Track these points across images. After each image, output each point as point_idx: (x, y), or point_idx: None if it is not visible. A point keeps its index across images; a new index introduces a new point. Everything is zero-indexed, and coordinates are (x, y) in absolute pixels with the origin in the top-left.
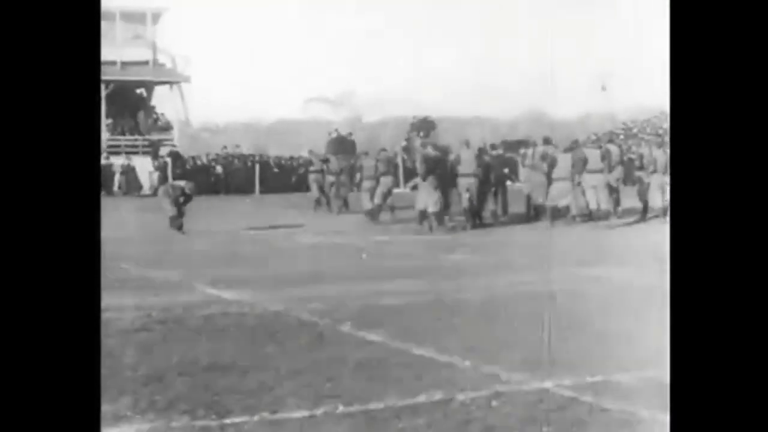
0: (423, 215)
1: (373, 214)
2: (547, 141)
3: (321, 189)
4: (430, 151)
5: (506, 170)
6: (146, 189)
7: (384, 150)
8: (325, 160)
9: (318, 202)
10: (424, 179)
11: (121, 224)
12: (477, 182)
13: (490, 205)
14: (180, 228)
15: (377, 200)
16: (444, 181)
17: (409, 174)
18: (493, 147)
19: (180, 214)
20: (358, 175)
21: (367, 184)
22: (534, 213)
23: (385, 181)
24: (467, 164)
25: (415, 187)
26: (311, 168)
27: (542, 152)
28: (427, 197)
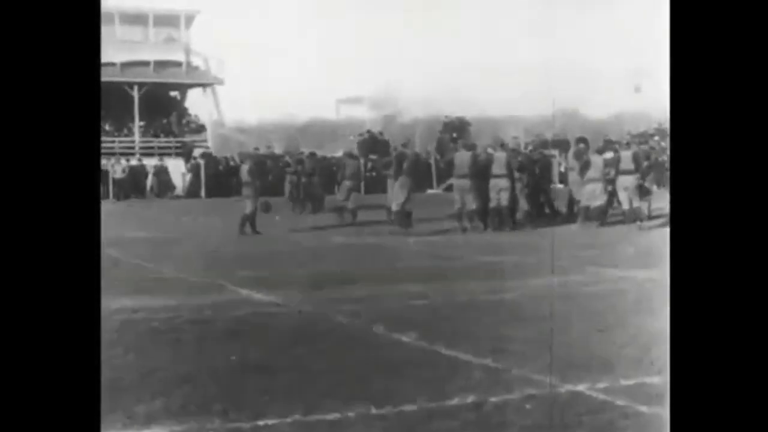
0: (459, 215)
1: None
2: (581, 141)
3: (296, 189)
4: (464, 151)
5: (537, 170)
6: (179, 190)
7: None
8: (300, 162)
9: (293, 202)
10: (458, 179)
11: (153, 225)
12: (509, 182)
13: (524, 206)
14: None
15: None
16: (479, 181)
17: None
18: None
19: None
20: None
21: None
22: (571, 214)
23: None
24: (499, 165)
25: (449, 188)
26: (288, 169)
27: (575, 152)
28: (462, 197)
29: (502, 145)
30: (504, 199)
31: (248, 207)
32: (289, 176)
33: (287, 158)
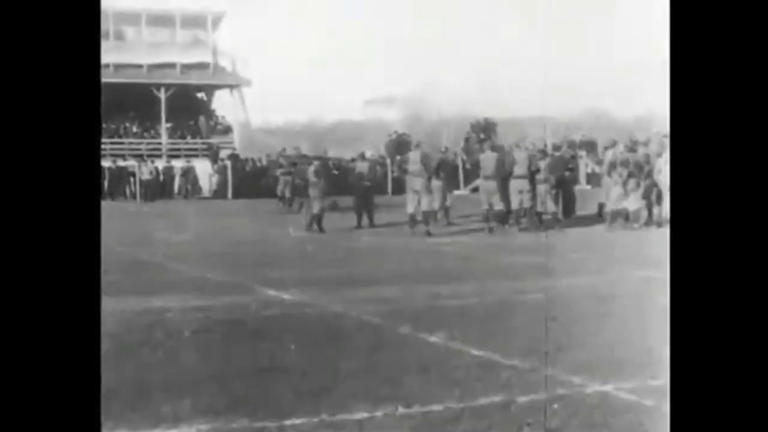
0: (486, 216)
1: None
2: (613, 144)
3: (286, 190)
4: (490, 152)
5: (567, 172)
6: (205, 192)
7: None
8: (293, 164)
9: (282, 201)
10: (484, 180)
11: (181, 226)
12: (530, 183)
13: (551, 207)
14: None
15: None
16: (505, 182)
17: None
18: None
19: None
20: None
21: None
22: (600, 215)
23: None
24: (521, 165)
25: (476, 189)
26: (280, 171)
27: (608, 154)
28: (488, 198)
29: (519, 145)
30: (526, 200)
31: (315, 207)
32: (282, 177)
33: (280, 159)
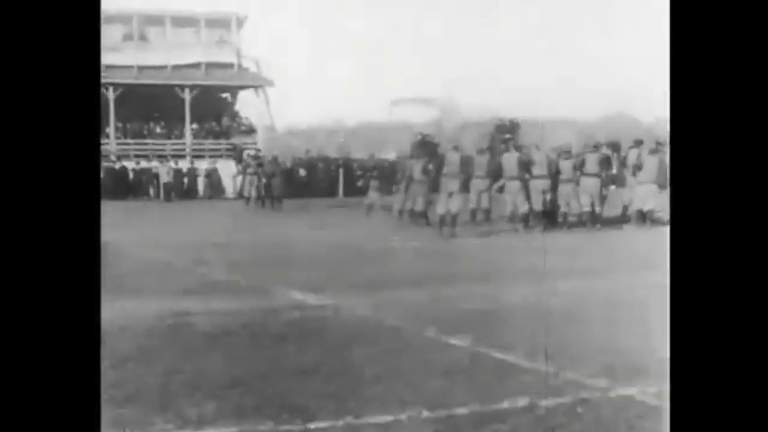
0: (510, 217)
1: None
2: (638, 143)
3: (252, 189)
4: (513, 152)
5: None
6: (229, 193)
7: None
8: (260, 164)
9: (247, 200)
10: (508, 181)
11: (207, 228)
12: (550, 184)
13: (576, 207)
14: None
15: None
16: (528, 182)
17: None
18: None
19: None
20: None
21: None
22: (624, 215)
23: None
24: (540, 166)
25: (501, 189)
26: (248, 170)
27: (633, 155)
28: (513, 199)
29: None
30: (547, 200)
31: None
32: (249, 177)
33: (247, 160)
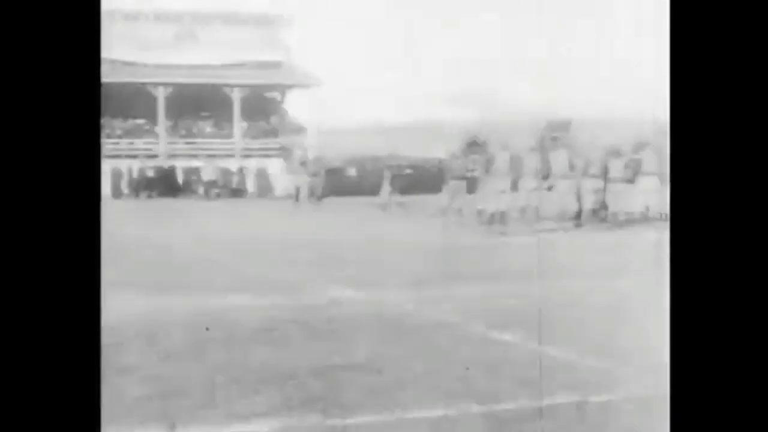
0: (561, 215)
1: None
2: None
3: (297, 188)
4: (562, 151)
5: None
6: (278, 191)
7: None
8: (303, 163)
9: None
10: (558, 179)
11: (255, 226)
12: (603, 183)
13: (626, 207)
14: None
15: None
16: (578, 181)
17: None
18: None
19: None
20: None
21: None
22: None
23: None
24: (590, 165)
25: (551, 188)
26: (291, 169)
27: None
28: (564, 197)
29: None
30: (598, 199)
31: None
32: (292, 176)
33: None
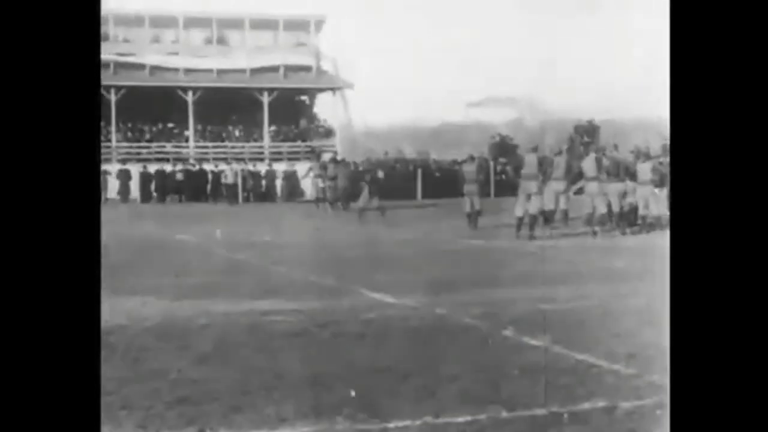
0: (588, 219)
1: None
2: None
3: (322, 191)
4: (592, 154)
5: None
6: (307, 195)
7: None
8: (324, 167)
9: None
10: (588, 182)
11: (285, 229)
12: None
13: (654, 209)
14: None
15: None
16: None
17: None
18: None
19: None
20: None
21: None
22: None
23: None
24: (618, 168)
25: (580, 191)
26: (312, 173)
27: None
28: (592, 201)
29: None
30: (628, 203)
31: (477, 204)
32: (313, 179)
33: (311, 164)
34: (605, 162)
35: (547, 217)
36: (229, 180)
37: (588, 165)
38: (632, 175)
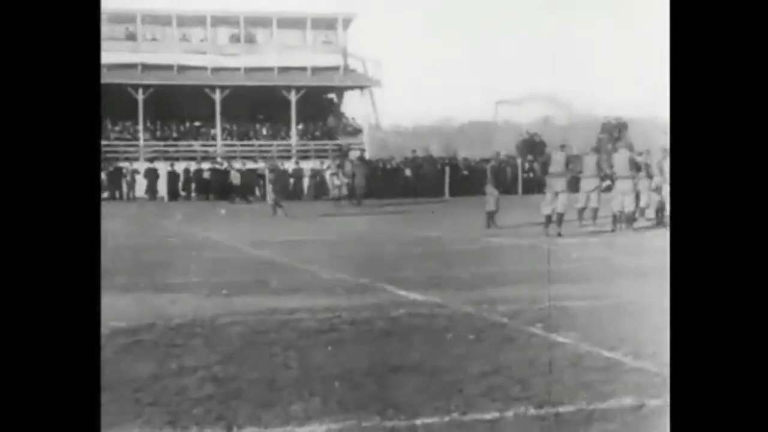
0: (616, 216)
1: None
2: None
3: (338, 188)
4: (624, 151)
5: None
6: (334, 193)
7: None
8: (340, 165)
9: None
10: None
11: (309, 227)
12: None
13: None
14: None
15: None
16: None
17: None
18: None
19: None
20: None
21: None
22: None
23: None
24: (649, 166)
25: (608, 189)
26: (330, 171)
27: None
28: (622, 198)
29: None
30: (655, 200)
31: (492, 204)
32: (331, 177)
33: (331, 163)
34: (635, 159)
35: (576, 214)
36: (236, 182)
37: (619, 162)
38: (661, 172)
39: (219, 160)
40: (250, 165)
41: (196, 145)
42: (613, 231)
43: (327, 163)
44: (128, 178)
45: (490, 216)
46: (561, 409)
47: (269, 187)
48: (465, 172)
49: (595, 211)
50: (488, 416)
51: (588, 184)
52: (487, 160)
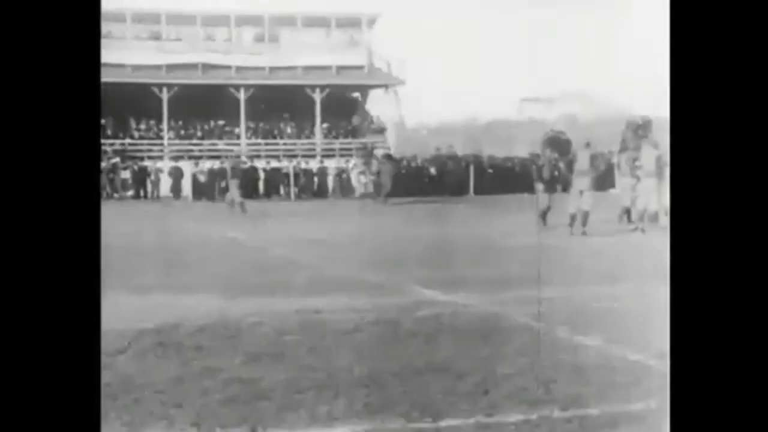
0: (640, 216)
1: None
2: None
3: (364, 186)
4: (651, 149)
5: None
6: (359, 192)
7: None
8: (366, 163)
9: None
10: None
11: (335, 226)
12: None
13: None
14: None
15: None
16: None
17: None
18: None
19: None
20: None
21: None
22: None
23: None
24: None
25: (634, 187)
26: (357, 170)
27: None
28: (647, 197)
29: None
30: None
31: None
32: (361, 176)
33: (356, 159)
34: (662, 157)
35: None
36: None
37: (647, 160)
38: None
39: (243, 158)
40: (275, 164)
41: (221, 144)
42: (636, 229)
43: (353, 161)
44: (153, 177)
45: (543, 214)
46: (587, 412)
47: (232, 184)
48: (490, 170)
49: (628, 211)
50: (513, 418)
51: (626, 183)
52: (531, 160)
